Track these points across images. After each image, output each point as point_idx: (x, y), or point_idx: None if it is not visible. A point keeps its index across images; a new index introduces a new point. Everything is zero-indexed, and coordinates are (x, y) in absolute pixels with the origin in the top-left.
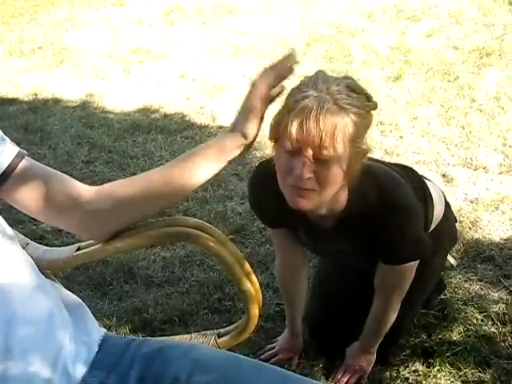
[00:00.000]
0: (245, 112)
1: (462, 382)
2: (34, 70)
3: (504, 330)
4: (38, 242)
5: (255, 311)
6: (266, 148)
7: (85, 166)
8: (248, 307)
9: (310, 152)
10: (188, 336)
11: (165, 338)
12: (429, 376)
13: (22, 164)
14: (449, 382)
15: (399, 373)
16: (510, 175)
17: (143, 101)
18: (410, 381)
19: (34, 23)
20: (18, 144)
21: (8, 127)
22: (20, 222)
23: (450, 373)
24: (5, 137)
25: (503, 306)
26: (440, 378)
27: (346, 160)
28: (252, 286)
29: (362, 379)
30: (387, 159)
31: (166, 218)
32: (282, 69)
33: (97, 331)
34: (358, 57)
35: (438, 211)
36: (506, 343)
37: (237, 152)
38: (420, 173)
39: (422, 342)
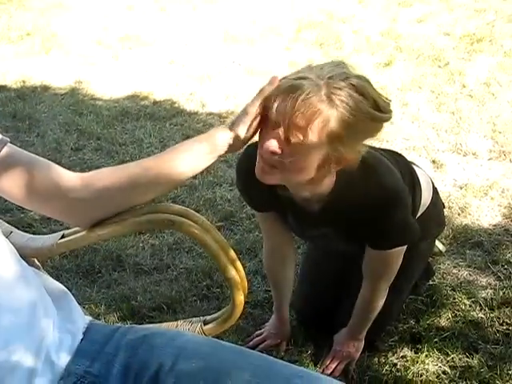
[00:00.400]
0: (244, 115)
1: (450, 367)
2: (22, 57)
3: (492, 315)
4: (26, 231)
5: (240, 298)
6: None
7: (73, 153)
8: (233, 294)
9: (281, 129)
10: (174, 323)
11: (150, 325)
12: (417, 362)
13: (5, 151)
14: (436, 367)
15: (387, 359)
16: (499, 161)
17: (132, 88)
18: (398, 366)
19: (22, 9)
20: (6, 131)
21: None
22: (8, 210)
23: (438, 358)
24: None
25: (491, 291)
26: (428, 364)
27: (319, 155)
28: (237, 273)
29: (350, 365)
30: (377, 145)
31: (150, 205)
32: None
33: (82, 319)
34: (349, 43)
35: (426, 197)
36: (494, 328)
37: (226, 150)
38: (410, 159)
39: (410, 328)
